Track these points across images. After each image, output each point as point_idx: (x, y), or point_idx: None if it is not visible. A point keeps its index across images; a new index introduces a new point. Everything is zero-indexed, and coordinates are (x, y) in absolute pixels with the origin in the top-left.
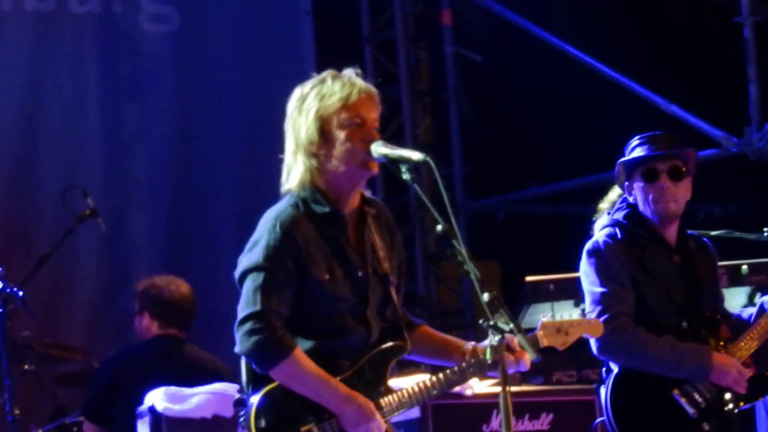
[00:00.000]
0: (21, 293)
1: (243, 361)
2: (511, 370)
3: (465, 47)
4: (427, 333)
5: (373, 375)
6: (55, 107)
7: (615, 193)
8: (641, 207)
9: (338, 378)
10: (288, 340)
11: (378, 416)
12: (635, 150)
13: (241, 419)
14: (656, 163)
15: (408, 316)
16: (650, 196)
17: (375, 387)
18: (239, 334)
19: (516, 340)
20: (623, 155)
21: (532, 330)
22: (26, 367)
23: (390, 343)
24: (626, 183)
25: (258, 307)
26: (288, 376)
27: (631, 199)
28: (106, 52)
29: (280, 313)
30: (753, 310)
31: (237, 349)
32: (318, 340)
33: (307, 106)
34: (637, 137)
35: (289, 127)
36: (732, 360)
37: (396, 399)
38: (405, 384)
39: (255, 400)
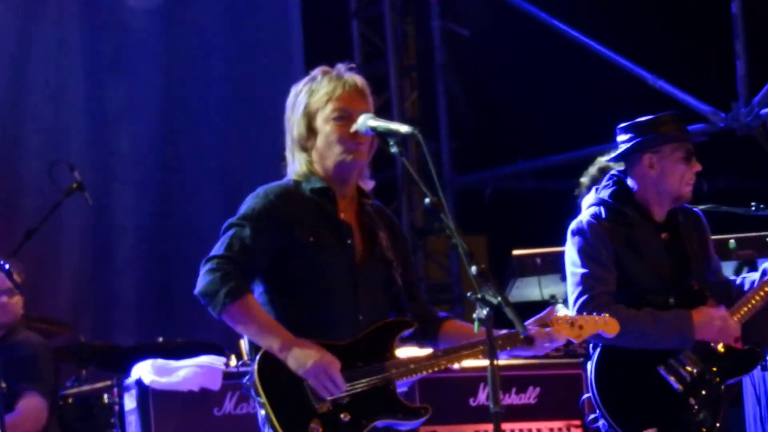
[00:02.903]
0: (7, 267)
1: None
2: (549, 346)
3: (452, 22)
4: (455, 325)
5: (376, 345)
6: (39, 82)
7: (595, 167)
8: (660, 185)
9: (338, 343)
10: (242, 285)
11: (334, 363)
12: (668, 125)
13: (246, 381)
14: (691, 146)
15: (434, 312)
16: (685, 177)
17: (380, 354)
18: (200, 273)
19: (552, 315)
20: (636, 127)
21: (520, 304)
22: None
23: (393, 318)
24: (645, 156)
25: (221, 252)
26: (239, 319)
27: (653, 173)
28: (91, 27)
29: (244, 264)
30: (756, 276)
31: (195, 290)
32: (310, 308)
33: (298, 102)
34: (668, 113)
35: (285, 124)
36: (712, 311)
37: (403, 366)
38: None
39: (257, 356)
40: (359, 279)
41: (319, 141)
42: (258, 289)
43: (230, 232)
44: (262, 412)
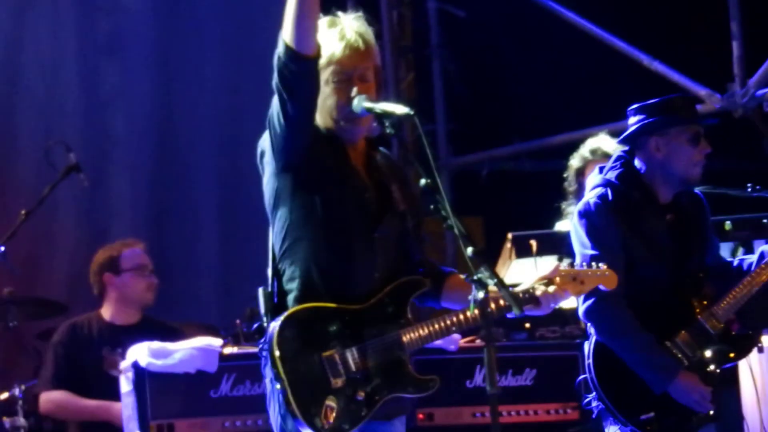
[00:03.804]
0: (2, 248)
1: (261, 293)
2: (554, 305)
3: (448, 3)
4: (458, 281)
5: (392, 308)
6: (33, 63)
7: (587, 148)
8: (667, 167)
9: (356, 308)
10: None
11: None
12: (676, 108)
13: (262, 345)
14: (700, 128)
15: (437, 266)
16: (693, 159)
17: (395, 320)
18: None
19: (557, 274)
20: (645, 109)
21: (515, 285)
22: (9, 323)
23: (409, 278)
24: (651, 139)
25: None
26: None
27: (659, 155)
28: (86, 8)
29: None
30: (754, 258)
31: (274, 82)
32: (332, 258)
33: None
34: (677, 95)
35: None
36: (697, 385)
37: (416, 333)
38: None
39: (276, 324)
40: (376, 234)
41: (319, 101)
42: (281, 229)
43: None
44: (277, 385)
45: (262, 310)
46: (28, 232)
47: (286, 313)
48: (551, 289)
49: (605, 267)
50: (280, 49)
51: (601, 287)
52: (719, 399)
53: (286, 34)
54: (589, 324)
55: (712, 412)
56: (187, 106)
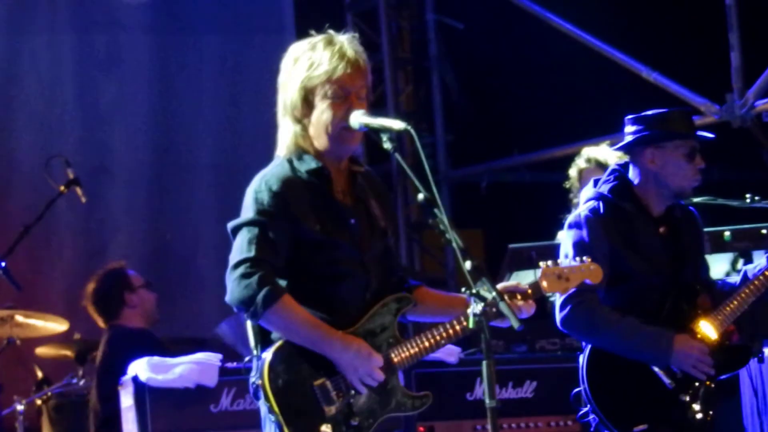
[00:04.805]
0: (3, 264)
1: (250, 324)
2: (534, 310)
3: (447, 15)
4: (427, 293)
5: (381, 326)
6: (31, 78)
7: (582, 158)
8: (661, 180)
9: (348, 330)
10: (278, 286)
11: (376, 355)
12: (674, 122)
13: (252, 377)
14: (696, 143)
15: (406, 279)
16: (688, 174)
17: (384, 338)
18: (230, 280)
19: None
20: (644, 120)
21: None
22: (9, 338)
23: (395, 295)
24: (647, 150)
25: (251, 254)
26: (280, 321)
27: (654, 167)
28: (83, 22)
29: (273, 264)
30: (737, 278)
31: (227, 297)
32: (319, 286)
33: (295, 71)
34: (677, 109)
35: (279, 87)
36: (695, 344)
37: (405, 350)
38: None
39: (267, 356)
40: (367, 257)
41: (314, 116)
42: None
43: (251, 232)
44: (272, 417)
45: (252, 342)
46: (27, 247)
47: (275, 346)
48: (519, 303)
49: (589, 260)
50: (259, 307)
51: (587, 282)
52: (718, 411)
53: (277, 325)
54: (569, 333)
55: (711, 383)
56: (185, 121)
